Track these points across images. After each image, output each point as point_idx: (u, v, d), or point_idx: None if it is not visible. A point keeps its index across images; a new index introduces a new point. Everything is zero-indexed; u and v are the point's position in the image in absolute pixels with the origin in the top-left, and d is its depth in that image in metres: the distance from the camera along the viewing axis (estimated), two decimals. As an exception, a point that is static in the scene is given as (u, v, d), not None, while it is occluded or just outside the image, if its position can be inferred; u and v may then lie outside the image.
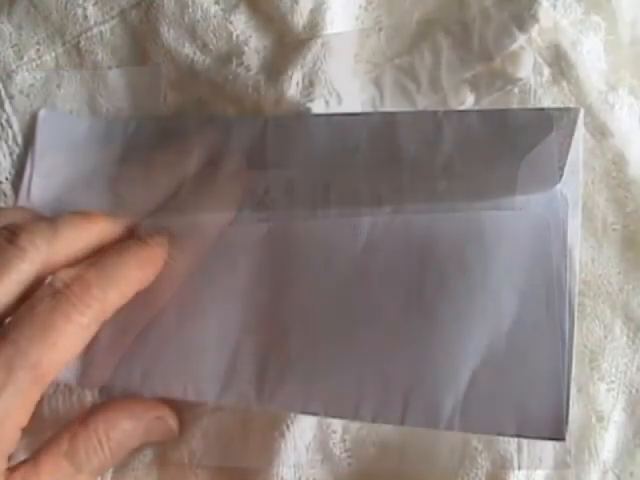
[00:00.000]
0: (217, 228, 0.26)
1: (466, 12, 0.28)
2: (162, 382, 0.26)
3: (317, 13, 0.28)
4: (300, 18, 0.28)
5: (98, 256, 0.25)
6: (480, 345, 0.23)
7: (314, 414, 0.24)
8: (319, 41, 0.28)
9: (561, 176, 0.23)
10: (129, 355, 0.26)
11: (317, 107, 0.27)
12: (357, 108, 0.28)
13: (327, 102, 0.27)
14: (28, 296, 0.23)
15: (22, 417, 0.22)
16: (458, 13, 0.29)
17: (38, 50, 0.31)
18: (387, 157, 0.26)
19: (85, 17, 0.30)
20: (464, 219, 0.24)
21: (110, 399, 0.27)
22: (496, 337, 0.23)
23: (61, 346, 0.22)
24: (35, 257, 0.23)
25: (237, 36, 0.29)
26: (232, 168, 0.27)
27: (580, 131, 0.24)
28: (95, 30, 0.30)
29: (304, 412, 0.25)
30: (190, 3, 0.29)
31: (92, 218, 0.26)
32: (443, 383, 0.23)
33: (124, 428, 0.25)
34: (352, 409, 0.24)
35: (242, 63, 0.28)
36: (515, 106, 0.28)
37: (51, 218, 0.25)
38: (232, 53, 0.29)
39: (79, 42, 0.31)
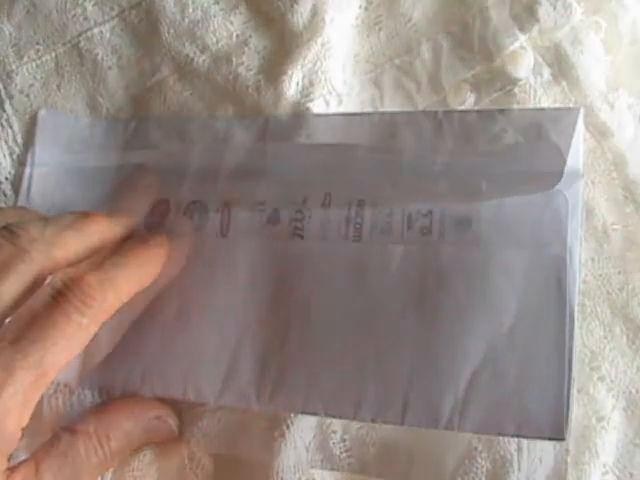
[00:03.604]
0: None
1: (466, 12, 0.28)
2: (162, 382, 0.26)
3: (317, 13, 0.28)
4: (300, 18, 0.28)
5: (98, 256, 0.25)
6: (480, 345, 0.23)
7: (314, 414, 0.24)
8: (319, 41, 0.28)
9: (561, 176, 0.23)
10: (129, 355, 0.26)
11: (317, 107, 0.27)
12: (357, 108, 0.28)
13: (327, 102, 0.27)
14: (28, 296, 0.23)
15: (22, 417, 0.22)
16: (458, 13, 0.29)
17: (38, 50, 0.31)
18: (387, 157, 0.26)
19: (85, 17, 0.30)
20: (464, 219, 0.24)
21: (110, 399, 0.28)
22: (496, 337, 0.23)
23: (61, 346, 0.22)
24: (35, 257, 0.23)
25: (237, 36, 0.29)
26: (231, 168, 0.27)
27: (580, 131, 0.24)
28: (95, 30, 0.30)
29: (304, 412, 0.25)
30: (190, 3, 0.29)
31: (92, 218, 0.26)
32: (443, 383, 0.23)
33: (124, 428, 0.25)
34: (352, 409, 0.24)
35: (242, 63, 0.28)
36: (515, 106, 0.28)
37: (51, 218, 0.25)
38: (232, 53, 0.29)
39: (79, 42, 0.31)
